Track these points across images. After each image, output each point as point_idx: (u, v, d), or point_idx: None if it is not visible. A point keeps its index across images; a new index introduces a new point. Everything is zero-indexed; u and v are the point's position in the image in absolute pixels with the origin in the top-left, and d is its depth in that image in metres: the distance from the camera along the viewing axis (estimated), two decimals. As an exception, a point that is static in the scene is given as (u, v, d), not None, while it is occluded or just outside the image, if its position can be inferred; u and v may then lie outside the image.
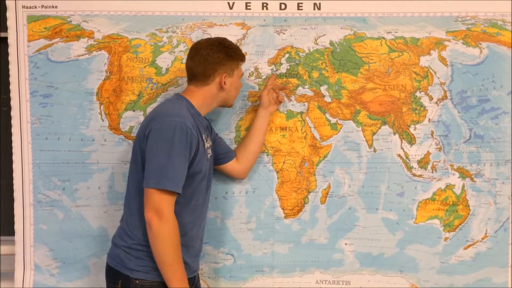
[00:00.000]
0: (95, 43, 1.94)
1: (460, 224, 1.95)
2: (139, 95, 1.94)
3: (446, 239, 1.95)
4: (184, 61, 1.79)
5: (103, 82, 1.94)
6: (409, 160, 1.95)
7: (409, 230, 1.95)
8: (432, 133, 1.95)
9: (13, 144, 1.94)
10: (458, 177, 1.95)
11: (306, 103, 1.95)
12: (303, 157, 1.96)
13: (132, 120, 1.94)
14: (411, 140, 1.95)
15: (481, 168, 1.94)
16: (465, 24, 1.94)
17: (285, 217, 1.97)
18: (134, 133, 1.94)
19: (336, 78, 1.95)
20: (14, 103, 1.93)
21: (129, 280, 1.59)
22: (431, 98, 1.94)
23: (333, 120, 1.95)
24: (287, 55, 1.96)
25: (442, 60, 1.94)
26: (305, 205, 1.96)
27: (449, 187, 1.95)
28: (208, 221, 1.82)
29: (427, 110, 1.94)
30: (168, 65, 1.95)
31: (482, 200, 1.95)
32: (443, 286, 1.96)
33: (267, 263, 1.98)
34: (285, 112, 1.96)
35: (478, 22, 1.94)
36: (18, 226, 1.95)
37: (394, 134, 1.95)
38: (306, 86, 1.95)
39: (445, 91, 1.94)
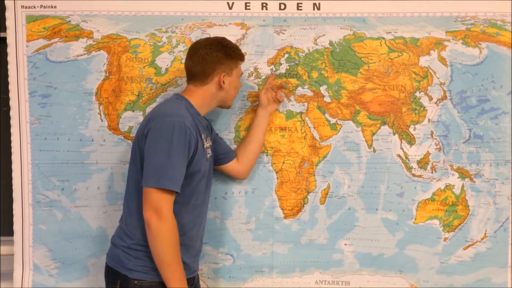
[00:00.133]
0: (94, 43, 1.94)
1: (459, 224, 1.95)
2: (138, 95, 1.94)
3: (445, 239, 1.95)
4: (184, 61, 1.79)
5: (102, 82, 1.94)
6: (408, 160, 1.95)
7: (408, 230, 1.95)
8: (432, 133, 1.94)
9: (12, 144, 1.94)
10: (458, 177, 1.94)
11: (305, 103, 1.95)
12: (302, 157, 1.95)
13: (132, 120, 1.94)
14: (411, 140, 1.95)
15: (481, 168, 1.94)
16: (464, 24, 1.94)
17: (284, 218, 1.96)
18: (133, 134, 1.93)
19: (335, 78, 1.95)
20: (13, 103, 1.93)
21: (128, 280, 1.58)
22: (430, 98, 1.94)
23: (333, 120, 1.95)
24: (286, 55, 1.95)
25: (442, 60, 1.94)
26: (305, 205, 1.96)
27: (448, 187, 1.95)
28: (207, 221, 1.81)
29: (426, 110, 1.94)
30: (167, 65, 1.95)
31: (482, 200, 1.94)
32: (442, 286, 1.96)
33: (267, 264, 1.97)
34: (285, 112, 1.96)
35: (477, 22, 1.94)
36: (17, 226, 1.94)
37: (394, 134, 1.95)
38: (306, 86, 1.95)
39: (444, 91, 1.94)
